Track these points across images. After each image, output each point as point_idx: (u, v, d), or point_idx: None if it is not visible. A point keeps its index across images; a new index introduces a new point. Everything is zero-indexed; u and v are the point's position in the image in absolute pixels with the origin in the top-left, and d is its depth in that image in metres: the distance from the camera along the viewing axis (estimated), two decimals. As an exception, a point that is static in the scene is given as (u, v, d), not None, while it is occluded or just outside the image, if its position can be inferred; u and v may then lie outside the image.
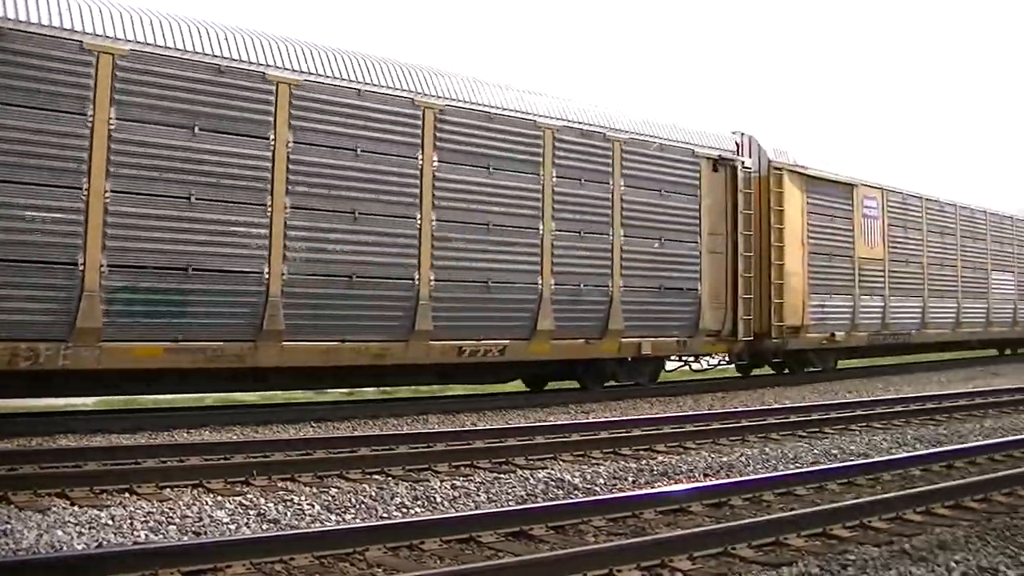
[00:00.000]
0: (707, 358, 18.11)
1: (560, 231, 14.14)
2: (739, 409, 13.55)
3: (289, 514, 6.58)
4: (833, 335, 19.09)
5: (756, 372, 19.76)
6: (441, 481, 7.88)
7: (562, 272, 14.12)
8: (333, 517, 6.62)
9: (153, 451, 8.83)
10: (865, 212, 20.25)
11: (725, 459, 9.21)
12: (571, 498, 7.35)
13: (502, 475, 8.24)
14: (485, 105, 13.47)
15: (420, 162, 12.60)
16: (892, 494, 7.09)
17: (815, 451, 9.80)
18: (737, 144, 17.35)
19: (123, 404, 13.09)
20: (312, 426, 11.67)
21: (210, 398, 13.99)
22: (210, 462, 8.27)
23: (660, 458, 9.32)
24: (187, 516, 6.36)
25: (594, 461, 9.16)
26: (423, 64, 13.35)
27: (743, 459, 9.24)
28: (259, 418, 11.81)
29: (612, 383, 15.82)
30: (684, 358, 17.45)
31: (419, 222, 12.55)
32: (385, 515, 6.77)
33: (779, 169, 17.96)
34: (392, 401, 14.47)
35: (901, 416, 12.63)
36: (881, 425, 11.96)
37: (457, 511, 6.88)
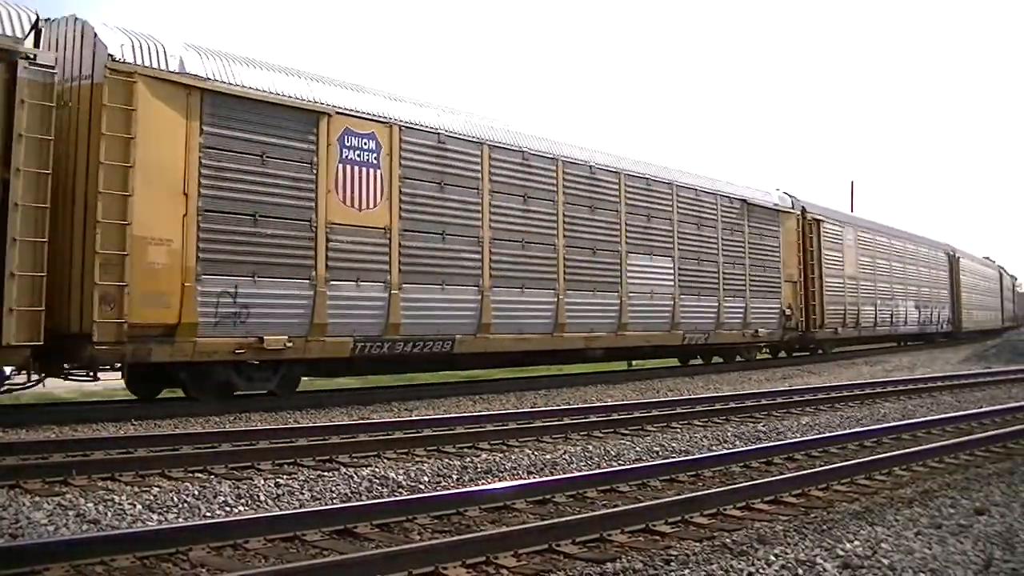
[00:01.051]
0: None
1: None
2: (561, 407, 13.83)
3: (110, 514, 6.51)
4: (262, 340, 12.86)
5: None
6: (264, 479, 7.89)
7: None
8: (155, 517, 6.58)
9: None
10: (349, 156, 14.19)
11: (548, 457, 9.38)
12: (395, 496, 7.38)
13: (326, 473, 8.28)
14: None
15: None
16: (713, 490, 7.37)
17: (637, 448, 10.10)
18: (36, 27, 11.26)
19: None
20: (133, 424, 11.54)
21: (27, 395, 13.23)
22: (27, 461, 8.26)
23: (484, 456, 9.42)
24: (3, 518, 6.27)
25: (418, 459, 9.23)
26: None
27: (566, 457, 9.43)
28: (78, 416, 11.58)
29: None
30: None
31: None
32: (208, 514, 6.76)
33: (128, 75, 11.71)
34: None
35: (721, 414, 13.17)
36: (702, 423, 12.43)
37: (281, 509, 6.89)
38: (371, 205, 14.48)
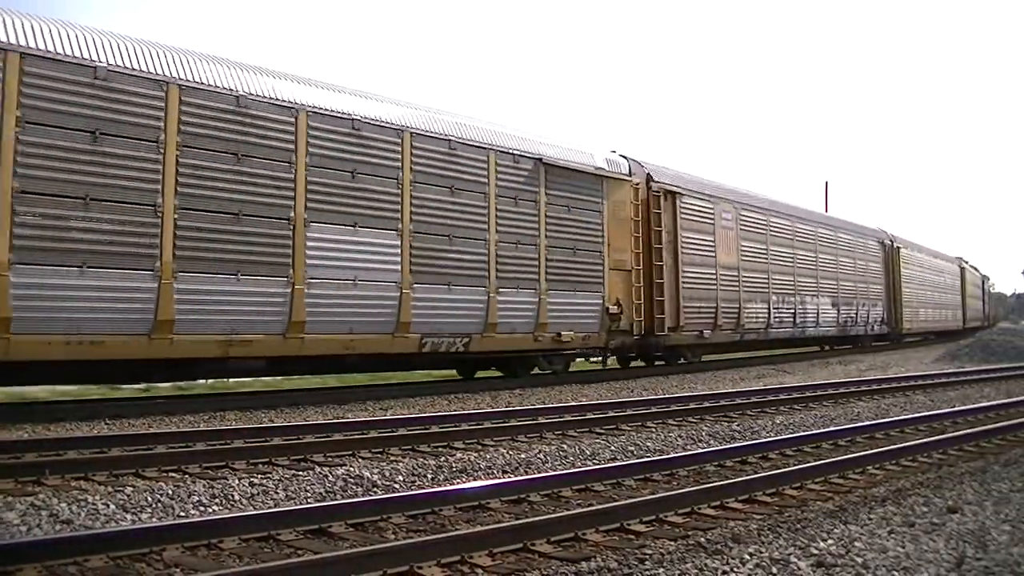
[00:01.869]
0: None
1: None
2: (537, 407, 13.84)
3: (83, 514, 6.48)
4: None
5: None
6: (239, 479, 7.88)
7: None
8: (129, 516, 6.56)
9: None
10: None
11: (523, 456, 9.40)
12: (370, 495, 7.39)
13: (300, 472, 8.28)
14: None
15: None
16: (687, 489, 7.41)
17: (612, 448, 10.14)
18: None
19: None
20: (106, 423, 11.48)
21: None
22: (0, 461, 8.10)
23: (459, 455, 9.44)
24: (-25, 518, 6.21)
25: (393, 458, 9.24)
26: None
27: (541, 456, 9.46)
28: (52, 415, 11.51)
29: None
30: None
31: None
32: (182, 514, 6.75)
33: None
34: (188, 398, 14.03)
35: (696, 413, 13.24)
36: (676, 422, 12.48)
37: (255, 509, 6.89)
38: None
